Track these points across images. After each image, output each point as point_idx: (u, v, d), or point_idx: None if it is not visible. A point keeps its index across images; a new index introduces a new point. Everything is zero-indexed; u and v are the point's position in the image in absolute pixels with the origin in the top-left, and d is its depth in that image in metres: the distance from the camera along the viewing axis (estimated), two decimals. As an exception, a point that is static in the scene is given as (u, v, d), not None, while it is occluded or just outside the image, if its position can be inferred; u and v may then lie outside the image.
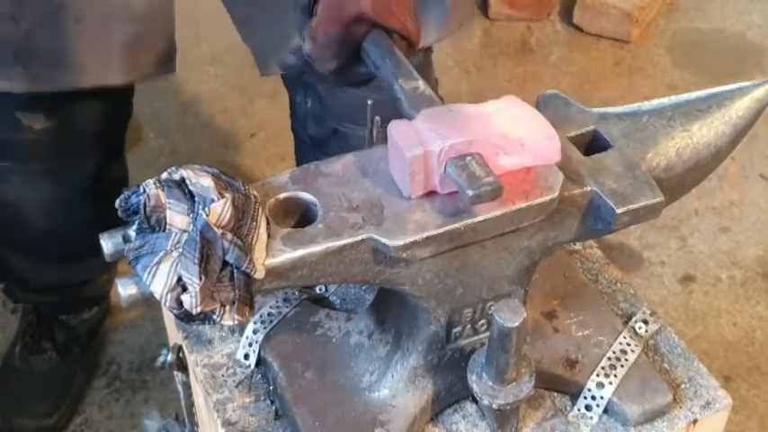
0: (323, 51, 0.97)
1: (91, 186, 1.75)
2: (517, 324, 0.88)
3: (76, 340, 2.05)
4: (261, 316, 1.09)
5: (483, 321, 1.00)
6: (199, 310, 0.82)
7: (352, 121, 1.56)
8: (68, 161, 1.70)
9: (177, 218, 0.84)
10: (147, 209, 0.84)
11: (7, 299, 2.10)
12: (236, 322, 0.85)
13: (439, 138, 0.87)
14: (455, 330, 0.99)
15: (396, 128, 0.89)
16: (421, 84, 0.97)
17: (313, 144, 1.69)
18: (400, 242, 0.87)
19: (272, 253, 0.86)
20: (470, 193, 0.85)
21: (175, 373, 1.17)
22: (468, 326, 1.00)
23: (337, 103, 1.53)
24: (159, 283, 0.82)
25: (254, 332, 1.09)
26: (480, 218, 0.89)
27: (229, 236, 0.83)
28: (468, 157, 0.87)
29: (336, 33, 0.97)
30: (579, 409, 1.05)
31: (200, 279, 0.81)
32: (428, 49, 1.57)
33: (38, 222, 1.77)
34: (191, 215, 0.83)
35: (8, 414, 1.99)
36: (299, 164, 1.81)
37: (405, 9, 0.99)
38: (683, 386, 1.08)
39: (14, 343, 2.05)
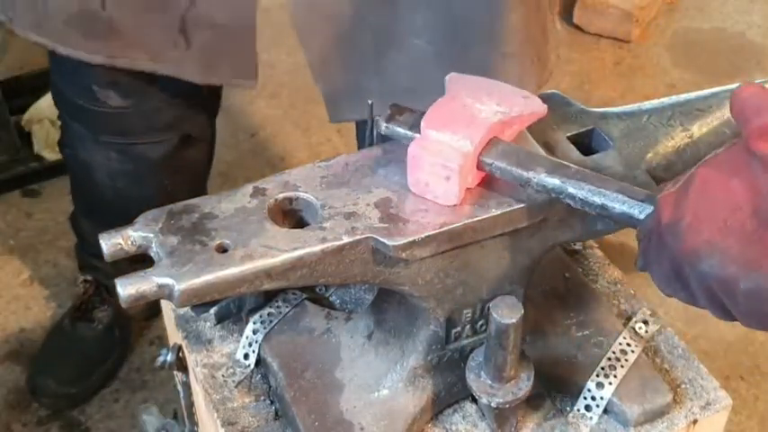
0: None
1: (161, 165, 1.75)
2: (514, 320, 0.88)
3: (124, 321, 2.10)
4: (261, 316, 1.09)
5: (482, 322, 1.00)
6: None
7: None
8: (139, 141, 1.71)
9: None
10: None
11: (76, 265, 2.15)
12: None
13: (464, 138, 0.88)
14: (455, 330, 0.99)
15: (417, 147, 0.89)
16: None
17: None
18: (400, 242, 0.87)
19: (272, 253, 0.86)
20: None
21: (175, 372, 1.17)
22: (468, 326, 1.00)
23: None
24: None
25: (254, 332, 1.08)
26: (480, 217, 0.89)
27: None
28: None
29: None
30: (579, 410, 1.04)
31: None
32: None
33: (104, 188, 1.79)
34: None
35: (36, 371, 2.04)
36: None
37: None
38: (683, 386, 1.08)
39: (71, 308, 2.10)
